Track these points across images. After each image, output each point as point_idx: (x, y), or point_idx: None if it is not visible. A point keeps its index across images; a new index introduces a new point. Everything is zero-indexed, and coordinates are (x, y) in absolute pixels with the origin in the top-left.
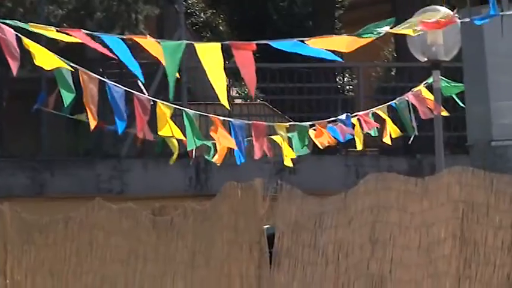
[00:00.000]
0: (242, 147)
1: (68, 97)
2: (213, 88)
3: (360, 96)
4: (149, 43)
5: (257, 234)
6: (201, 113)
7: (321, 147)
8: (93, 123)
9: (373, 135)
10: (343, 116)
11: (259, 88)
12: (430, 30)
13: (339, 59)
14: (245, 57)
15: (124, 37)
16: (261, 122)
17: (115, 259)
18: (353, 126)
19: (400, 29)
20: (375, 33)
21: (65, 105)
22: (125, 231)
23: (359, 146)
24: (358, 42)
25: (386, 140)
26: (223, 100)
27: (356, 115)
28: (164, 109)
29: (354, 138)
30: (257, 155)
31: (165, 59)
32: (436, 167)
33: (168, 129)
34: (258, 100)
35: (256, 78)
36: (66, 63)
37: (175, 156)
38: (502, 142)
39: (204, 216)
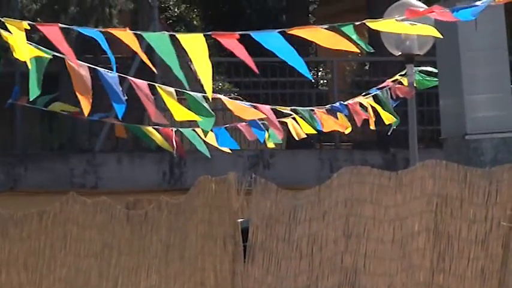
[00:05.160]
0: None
1: (34, 91)
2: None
3: (334, 90)
4: (127, 36)
5: (231, 228)
6: (204, 94)
7: (297, 139)
8: (86, 110)
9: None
10: (336, 104)
11: (232, 82)
12: (414, 17)
13: (309, 77)
14: (232, 43)
15: (102, 30)
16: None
17: (89, 253)
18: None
19: (380, 22)
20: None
21: (30, 99)
22: (99, 225)
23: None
24: (338, 43)
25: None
26: (209, 91)
27: (346, 104)
28: (167, 94)
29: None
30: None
31: (158, 51)
32: (410, 161)
33: (184, 113)
34: (232, 94)
35: (228, 71)
36: (46, 52)
37: (167, 146)
38: (476, 136)
39: (178, 210)
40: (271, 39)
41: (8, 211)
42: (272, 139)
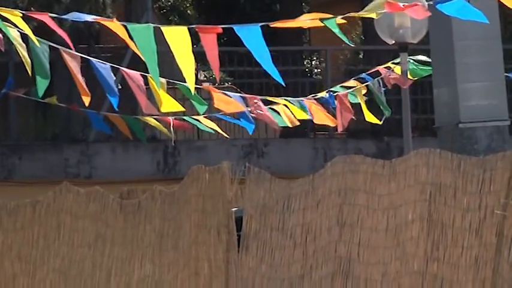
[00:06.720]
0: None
1: (42, 83)
2: (181, 72)
3: (327, 80)
4: (116, 26)
5: (225, 218)
6: (198, 87)
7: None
8: (86, 100)
9: None
10: (326, 95)
11: (226, 71)
12: (394, 12)
13: (281, 81)
14: (209, 40)
15: (91, 20)
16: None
17: (83, 243)
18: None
19: (363, 13)
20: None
21: (39, 92)
22: (92, 215)
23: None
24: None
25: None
26: (191, 84)
27: (336, 95)
28: (156, 85)
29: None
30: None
31: (138, 45)
32: (404, 149)
33: (171, 104)
34: (226, 84)
35: (222, 61)
36: (40, 41)
37: (168, 133)
38: (469, 124)
39: (172, 200)
40: (250, 36)
41: (1, 201)
42: (279, 122)
